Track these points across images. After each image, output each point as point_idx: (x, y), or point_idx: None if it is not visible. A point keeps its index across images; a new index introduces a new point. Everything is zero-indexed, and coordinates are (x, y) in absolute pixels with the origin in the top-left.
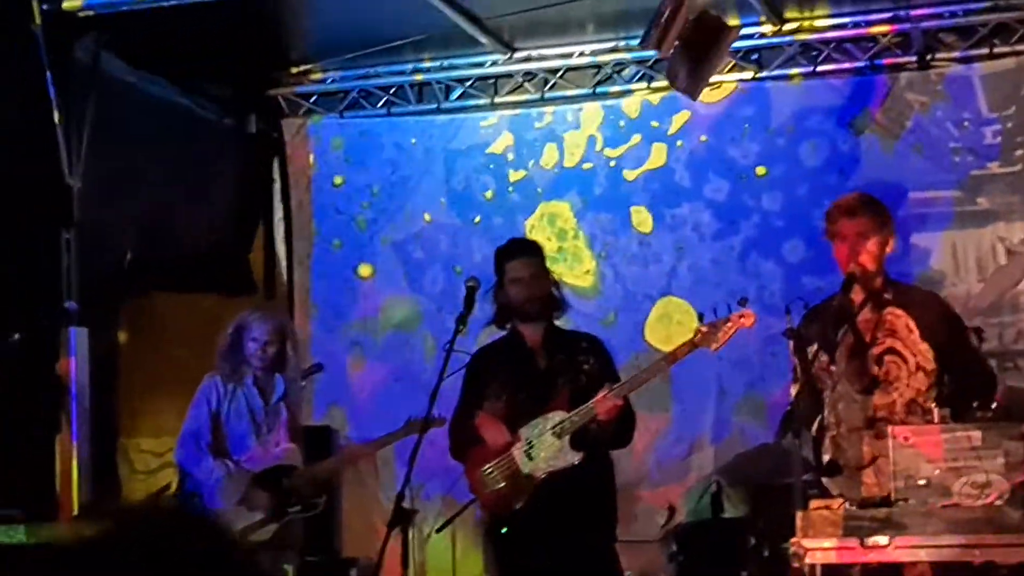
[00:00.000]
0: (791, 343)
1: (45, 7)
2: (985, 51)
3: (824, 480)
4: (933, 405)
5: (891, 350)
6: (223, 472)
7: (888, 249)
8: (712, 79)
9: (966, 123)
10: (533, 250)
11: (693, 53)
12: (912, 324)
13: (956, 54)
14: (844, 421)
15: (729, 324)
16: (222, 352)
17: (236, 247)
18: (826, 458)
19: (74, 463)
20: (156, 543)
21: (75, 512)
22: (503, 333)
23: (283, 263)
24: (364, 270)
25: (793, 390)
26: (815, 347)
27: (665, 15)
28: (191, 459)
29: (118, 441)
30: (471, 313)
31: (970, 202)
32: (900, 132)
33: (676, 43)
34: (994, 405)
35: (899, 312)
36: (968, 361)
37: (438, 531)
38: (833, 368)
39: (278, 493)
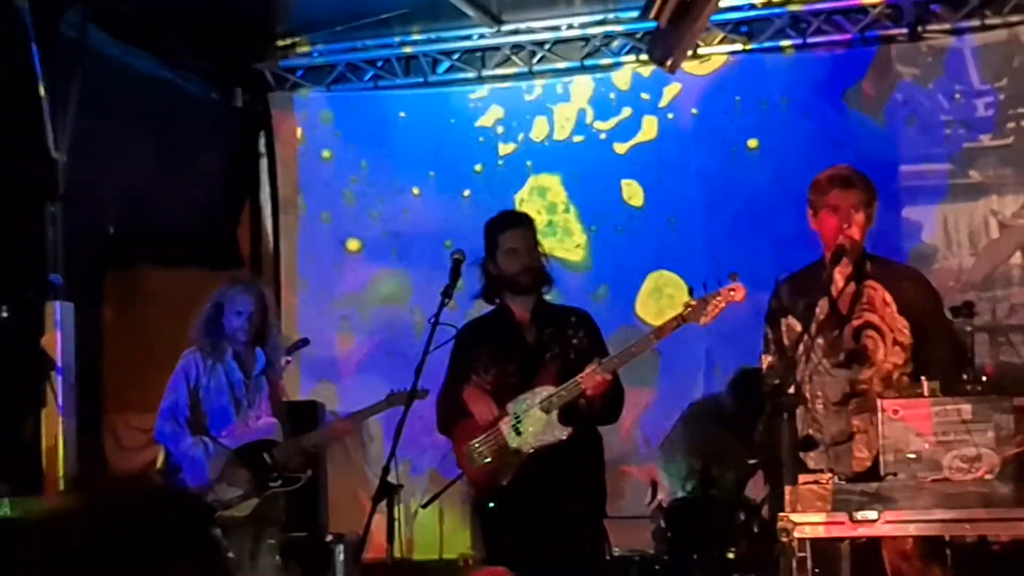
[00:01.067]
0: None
1: None
2: (977, 22)
3: (800, 455)
4: (907, 379)
5: (869, 324)
6: (201, 449)
7: (871, 221)
8: (695, 51)
9: (958, 95)
10: (526, 222)
11: (671, 26)
12: (889, 298)
13: (947, 26)
14: (820, 395)
15: (719, 298)
16: (201, 327)
17: (223, 221)
18: (802, 432)
19: (60, 438)
20: (133, 519)
21: (60, 487)
22: (491, 307)
23: (270, 237)
24: (352, 244)
25: (765, 361)
26: (788, 318)
27: None
28: (170, 436)
29: (104, 416)
30: (456, 286)
31: (962, 175)
32: (886, 101)
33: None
34: (984, 378)
35: (876, 286)
36: (941, 336)
37: (424, 506)
38: (808, 340)
39: (259, 468)
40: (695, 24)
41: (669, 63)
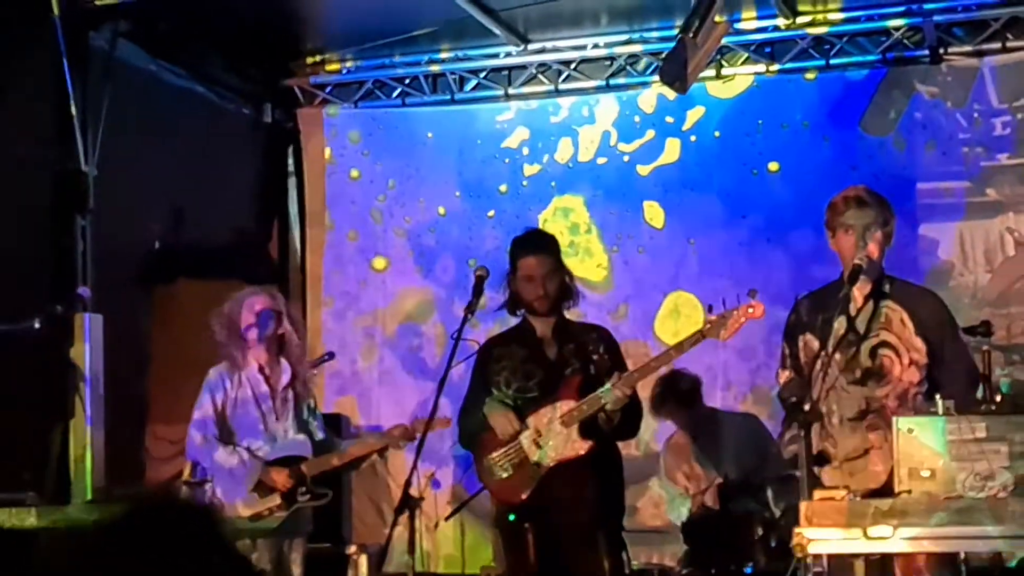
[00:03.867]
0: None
1: None
2: (998, 45)
3: (815, 469)
4: (922, 398)
5: (886, 343)
6: (236, 460)
7: (889, 242)
8: (718, 72)
9: (977, 116)
10: (547, 247)
11: (682, 47)
12: (907, 318)
13: (969, 48)
14: (836, 411)
15: (738, 315)
16: (221, 342)
17: (254, 235)
18: (816, 448)
19: (88, 449)
20: (151, 532)
21: (88, 498)
22: (515, 321)
23: (298, 253)
24: (379, 263)
25: (782, 376)
26: (806, 335)
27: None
28: (201, 451)
29: (145, 428)
30: (480, 302)
31: (979, 193)
32: (904, 122)
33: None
34: (998, 397)
35: (895, 306)
36: (956, 358)
37: (446, 519)
38: (824, 357)
39: (295, 479)
40: (706, 46)
41: (680, 84)
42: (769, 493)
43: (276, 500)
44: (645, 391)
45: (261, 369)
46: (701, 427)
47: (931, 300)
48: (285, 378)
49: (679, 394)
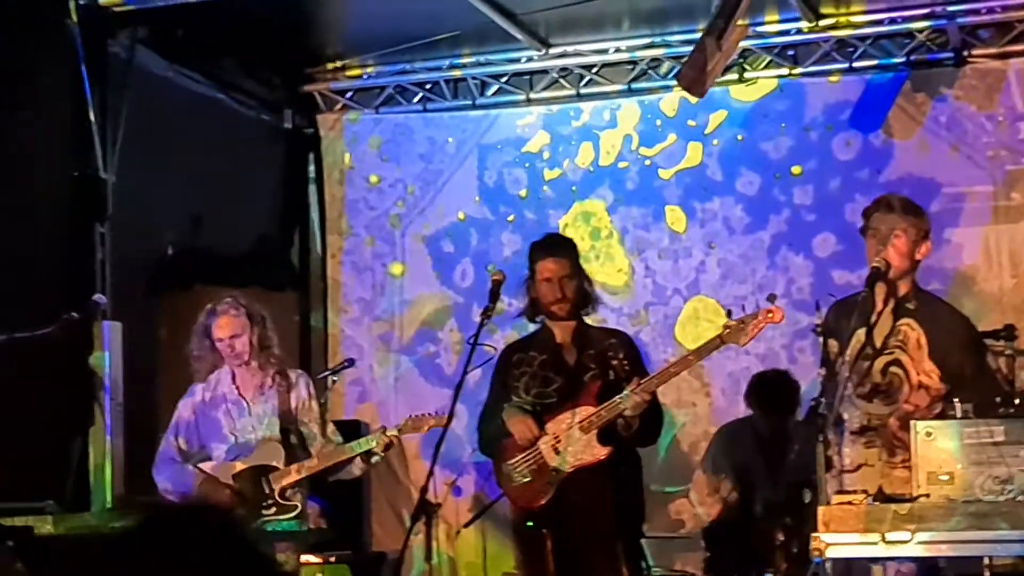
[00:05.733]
0: (821, 338)
1: (82, 2)
2: (1022, 47)
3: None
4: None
5: (897, 362)
6: (193, 479)
7: (920, 252)
8: (741, 76)
9: (1001, 119)
10: (565, 250)
11: (699, 52)
12: (923, 340)
13: (993, 50)
14: (845, 421)
15: (758, 320)
16: (195, 355)
17: (276, 242)
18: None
19: (107, 457)
20: (176, 539)
21: (108, 505)
22: (534, 327)
23: (319, 260)
24: (395, 268)
25: (820, 375)
26: (831, 340)
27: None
28: (168, 477)
29: (158, 436)
30: (496, 307)
31: (1004, 197)
32: (928, 125)
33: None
34: (1016, 401)
35: (914, 325)
36: (981, 383)
37: (466, 526)
38: (844, 365)
39: (254, 494)
40: (725, 50)
41: (698, 89)
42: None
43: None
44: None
45: (235, 377)
46: (774, 433)
47: (955, 320)
48: (257, 381)
49: (774, 394)
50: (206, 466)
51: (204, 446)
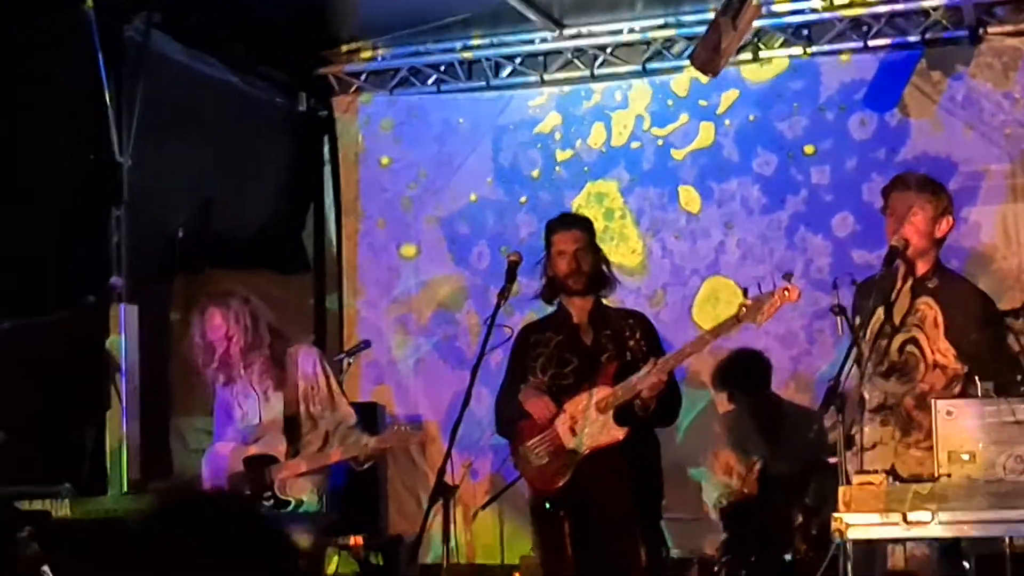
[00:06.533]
0: (839, 318)
1: None
2: None
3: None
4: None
5: (914, 340)
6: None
7: (940, 229)
8: (755, 55)
9: (1018, 97)
10: (581, 224)
11: (713, 32)
12: (940, 319)
13: (1009, 28)
14: (865, 400)
15: (774, 298)
16: (203, 360)
17: (289, 225)
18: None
19: (123, 441)
20: (188, 521)
21: (124, 489)
22: (552, 309)
23: (333, 242)
24: (407, 250)
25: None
26: (856, 318)
27: None
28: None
29: (171, 418)
30: (512, 288)
31: (1021, 175)
32: (944, 103)
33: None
34: None
35: (932, 304)
36: (1001, 362)
37: (483, 508)
38: (866, 343)
39: (258, 485)
40: (739, 29)
41: (711, 68)
42: (809, 479)
43: None
44: (700, 365)
45: (240, 365)
46: (760, 411)
47: (975, 299)
48: (260, 368)
49: (745, 372)
50: (223, 448)
51: (221, 434)
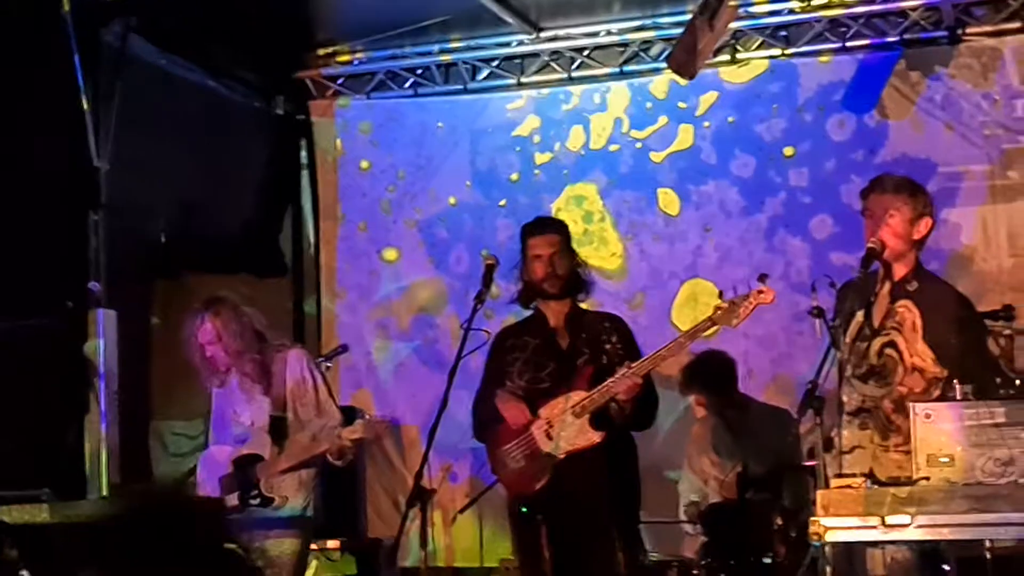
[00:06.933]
0: (817, 321)
1: None
2: (1017, 24)
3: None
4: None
5: (892, 343)
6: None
7: (918, 231)
8: (733, 56)
9: (997, 98)
10: (556, 227)
11: (690, 34)
12: (919, 322)
13: (988, 28)
14: (844, 403)
15: (749, 300)
16: (197, 366)
17: (266, 228)
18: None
19: (102, 445)
20: (150, 526)
21: (103, 494)
22: (529, 313)
23: (312, 246)
24: (389, 254)
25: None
26: (836, 320)
27: None
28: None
29: (150, 423)
30: (489, 291)
31: (1001, 176)
32: (922, 104)
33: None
34: (1017, 382)
35: (911, 307)
36: (981, 364)
37: (461, 512)
38: (846, 346)
39: (246, 483)
40: (713, 32)
41: (688, 71)
42: (787, 482)
43: (234, 500)
44: (674, 368)
45: (231, 368)
46: (728, 413)
47: (954, 302)
48: (250, 370)
49: (710, 375)
50: (219, 452)
51: (217, 436)
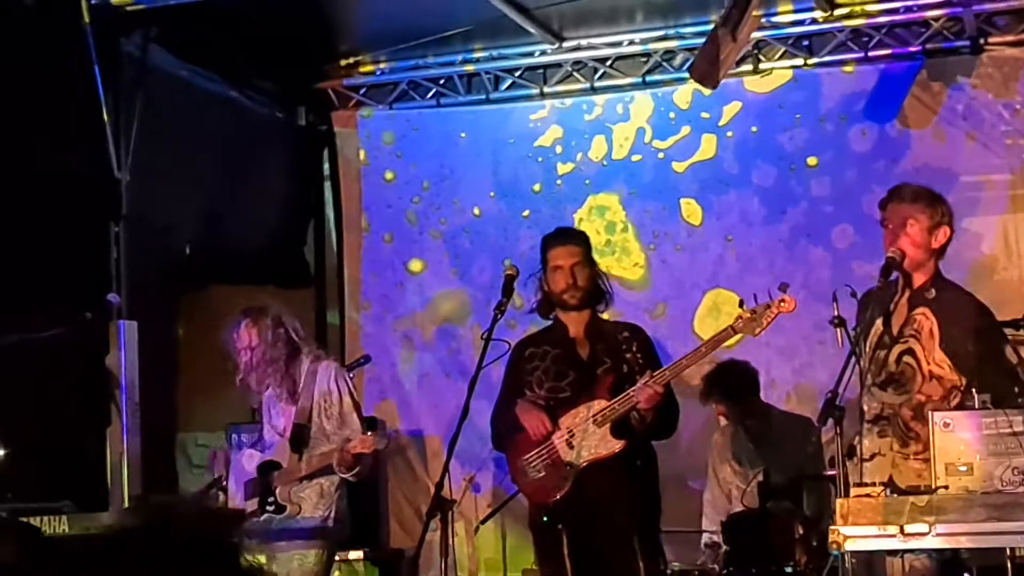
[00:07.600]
0: (838, 330)
1: (94, 2)
2: None
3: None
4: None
5: (910, 351)
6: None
7: (937, 240)
8: (756, 67)
9: (1019, 107)
10: (577, 238)
11: (712, 44)
12: (936, 329)
13: (1010, 37)
14: (865, 410)
15: (770, 310)
16: (239, 372)
17: (289, 239)
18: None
19: (124, 457)
20: (163, 540)
21: (125, 505)
22: (547, 323)
23: (335, 256)
24: (415, 265)
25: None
26: (857, 329)
27: None
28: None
29: (176, 435)
30: (510, 301)
31: (1022, 186)
32: (944, 114)
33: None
34: None
35: (929, 314)
36: (1000, 373)
37: (483, 522)
38: (866, 354)
39: (263, 488)
40: (736, 42)
41: (710, 81)
42: (808, 491)
43: (254, 505)
44: (695, 377)
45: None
46: (750, 422)
47: (973, 310)
48: (280, 379)
49: (732, 384)
50: (246, 456)
51: (258, 440)
